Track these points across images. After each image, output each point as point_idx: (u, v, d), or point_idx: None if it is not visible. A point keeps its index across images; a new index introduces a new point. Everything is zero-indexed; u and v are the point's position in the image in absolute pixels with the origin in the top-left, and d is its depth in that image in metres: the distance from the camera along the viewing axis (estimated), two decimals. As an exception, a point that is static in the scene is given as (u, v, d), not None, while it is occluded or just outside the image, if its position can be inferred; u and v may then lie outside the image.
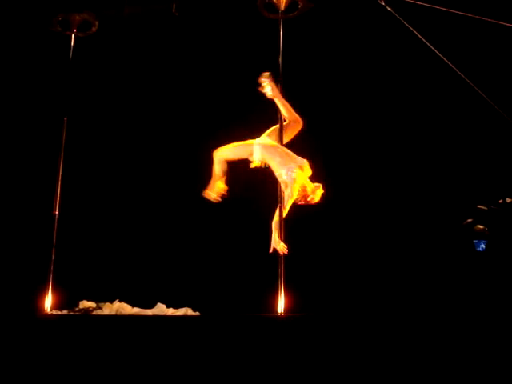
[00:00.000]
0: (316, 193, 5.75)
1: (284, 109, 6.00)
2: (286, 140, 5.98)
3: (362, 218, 6.97)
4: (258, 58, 6.66)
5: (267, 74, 5.92)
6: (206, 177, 6.50)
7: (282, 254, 5.79)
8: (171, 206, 7.26)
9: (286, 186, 5.77)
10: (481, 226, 5.99)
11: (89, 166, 7.27)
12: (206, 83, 7.27)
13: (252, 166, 5.96)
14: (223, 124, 7.00)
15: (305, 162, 5.83)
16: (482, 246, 6.09)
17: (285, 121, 6.02)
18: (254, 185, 6.54)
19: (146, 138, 7.41)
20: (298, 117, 6.02)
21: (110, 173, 7.31)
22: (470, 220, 6.05)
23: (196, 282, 6.86)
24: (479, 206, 5.98)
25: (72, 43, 6.70)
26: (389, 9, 5.99)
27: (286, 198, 5.79)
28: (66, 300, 6.32)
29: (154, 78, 7.36)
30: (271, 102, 6.02)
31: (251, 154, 5.92)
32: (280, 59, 6.17)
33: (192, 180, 6.93)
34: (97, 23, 6.73)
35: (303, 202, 5.79)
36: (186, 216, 7.21)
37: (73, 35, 6.72)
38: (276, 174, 5.89)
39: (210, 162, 6.06)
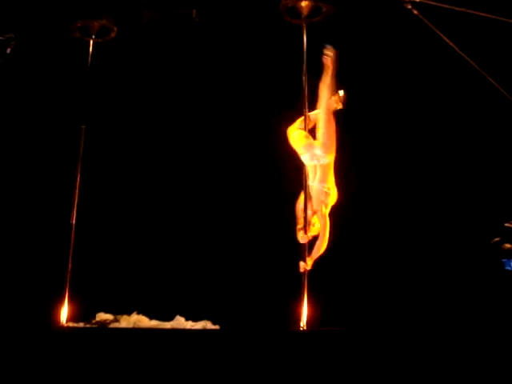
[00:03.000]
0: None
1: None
2: None
3: (388, 233, 6.94)
4: (281, 63, 6.82)
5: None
6: (222, 187, 7.16)
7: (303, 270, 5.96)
8: (193, 217, 7.27)
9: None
10: (509, 245, 5.95)
11: (107, 175, 7.28)
12: (228, 90, 7.30)
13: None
14: (243, 134, 7.18)
15: None
16: (511, 264, 6.03)
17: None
18: (279, 191, 6.67)
19: (166, 147, 7.43)
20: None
21: (129, 182, 7.32)
22: (497, 239, 5.99)
23: (216, 294, 6.87)
24: (507, 225, 5.96)
25: (90, 49, 6.73)
26: (415, 12, 5.92)
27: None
28: (82, 312, 6.32)
29: (175, 85, 7.37)
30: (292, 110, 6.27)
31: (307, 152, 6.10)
32: (304, 66, 6.22)
33: (213, 191, 7.26)
34: (116, 29, 6.74)
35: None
36: (207, 227, 7.24)
37: (91, 41, 6.74)
38: (323, 185, 6.14)
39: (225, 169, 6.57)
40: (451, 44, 5.96)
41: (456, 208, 6.85)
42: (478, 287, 6.54)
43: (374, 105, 7.05)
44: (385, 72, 7.01)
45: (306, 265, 5.97)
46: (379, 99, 7.04)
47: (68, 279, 6.29)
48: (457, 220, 6.81)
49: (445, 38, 5.96)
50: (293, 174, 6.37)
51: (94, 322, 6.21)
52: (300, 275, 5.97)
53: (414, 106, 7.02)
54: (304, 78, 6.19)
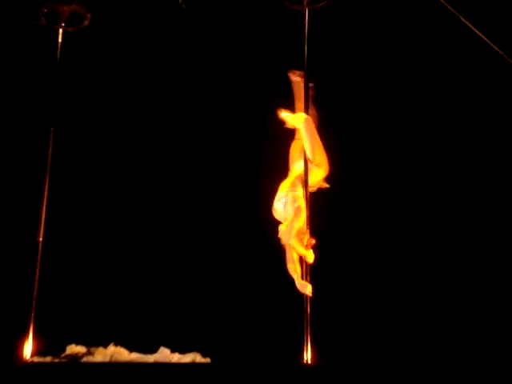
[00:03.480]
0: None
1: (308, 145, 5.83)
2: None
3: (397, 250, 6.68)
4: (282, 54, 6.51)
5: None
6: (210, 202, 6.94)
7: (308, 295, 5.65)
8: (176, 233, 6.96)
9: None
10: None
11: (80, 184, 6.95)
12: (219, 85, 7.01)
13: None
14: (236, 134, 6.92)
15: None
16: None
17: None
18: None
19: (146, 152, 7.12)
20: (324, 159, 5.90)
21: (105, 192, 7.00)
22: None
23: (206, 321, 6.61)
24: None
25: (60, 39, 6.38)
26: None
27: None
28: (50, 344, 5.95)
29: (157, 80, 7.07)
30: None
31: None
32: (305, 55, 5.94)
33: (200, 206, 6.95)
34: (89, 16, 6.44)
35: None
36: (194, 244, 6.92)
37: (61, 30, 6.40)
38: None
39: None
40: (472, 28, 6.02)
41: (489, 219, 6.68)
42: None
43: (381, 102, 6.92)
44: (392, 63, 6.87)
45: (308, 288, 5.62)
46: (388, 94, 6.89)
47: (33, 306, 5.87)
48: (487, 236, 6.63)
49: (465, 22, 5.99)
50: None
51: (63, 355, 5.89)
52: (301, 300, 5.58)
53: (429, 99, 6.88)
54: (305, 71, 5.96)
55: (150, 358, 5.84)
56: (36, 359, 5.77)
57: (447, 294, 6.50)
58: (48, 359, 5.77)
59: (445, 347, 6.15)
